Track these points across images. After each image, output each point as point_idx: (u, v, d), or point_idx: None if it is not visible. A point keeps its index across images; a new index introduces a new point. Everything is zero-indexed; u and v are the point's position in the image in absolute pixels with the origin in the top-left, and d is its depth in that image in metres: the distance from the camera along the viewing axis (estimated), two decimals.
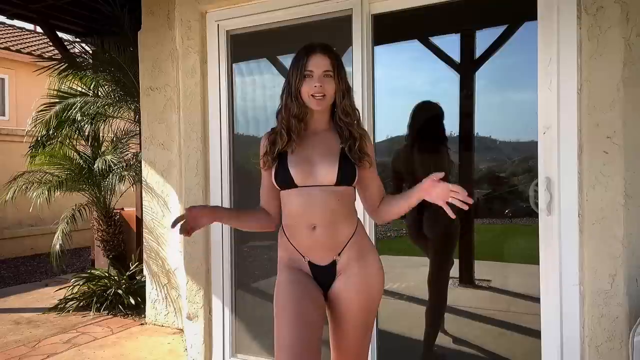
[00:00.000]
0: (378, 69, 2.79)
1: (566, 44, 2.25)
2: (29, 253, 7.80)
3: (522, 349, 2.84)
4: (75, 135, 5.04)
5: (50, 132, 4.91)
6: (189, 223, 1.79)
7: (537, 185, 2.36)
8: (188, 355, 3.32)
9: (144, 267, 4.40)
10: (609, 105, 2.16)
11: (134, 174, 4.70)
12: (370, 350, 2.26)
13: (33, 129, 4.98)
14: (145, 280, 4.35)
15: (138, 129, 4.68)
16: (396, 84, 3.37)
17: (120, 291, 4.54)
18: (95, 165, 4.75)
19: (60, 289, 4.89)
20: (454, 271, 3.19)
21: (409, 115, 3.16)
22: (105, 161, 4.69)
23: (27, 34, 11.72)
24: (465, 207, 1.64)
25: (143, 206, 4.41)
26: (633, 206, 2.16)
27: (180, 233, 1.79)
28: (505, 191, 3.38)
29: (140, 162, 4.45)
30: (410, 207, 1.80)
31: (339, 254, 1.79)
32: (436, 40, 3.31)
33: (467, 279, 3.32)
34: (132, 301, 4.47)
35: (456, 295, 3.22)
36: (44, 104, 4.98)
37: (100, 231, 5.01)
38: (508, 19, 2.97)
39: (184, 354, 3.48)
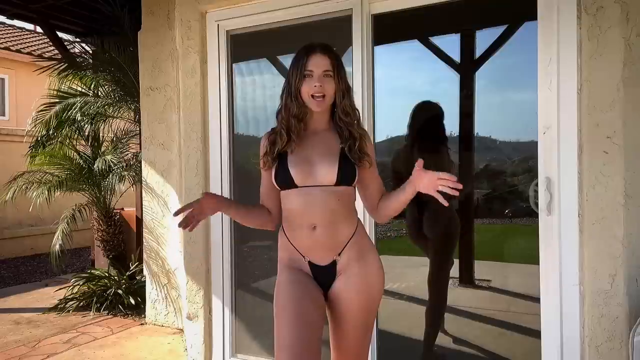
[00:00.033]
0: (378, 69, 2.79)
1: (566, 44, 2.25)
2: (29, 253, 7.80)
3: (522, 349, 2.84)
4: (75, 135, 5.04)
5: (50, 132, 4.91)
6: (196, 210, 1.76)
7: (537, 185, 2.36)
8: (188, 355, 3.32)
9: (144, 267, 4.40)
10: (609, 105, 2.16)
11: (134, 174, 4.70)
12: (370, 350, 2.26)
13: (33, 129, 4.98)
14: (145, 280, 4.35)
15: (138, 129, 4.68)
16: (396, 84, 3.37)
17: (120, 291, 4.54)
18: (95, 165, 4.75)
19: (60, 289, 4.89)
20: (454, 271, 3.19)
21: (409, 115, 3.16)
22: (105, 161, 4.69)
23: (27, 34, 11.72)
24: (456, 193, 1.63)
25: (143, 206, 4.41)
26: (633, 206, 2.16)
27: (179, 226, 1.77)
28: (505, 191, 3.38)
29: (140, 162, 4.45)
30: (406, 200, 1.78)
31: (339, 254, 1.79)
32: (436, 40, 3.31)
33: (467, 279, 3.32)
34: (132, 301, 4.47)
35: (456, 295, 3.22)
36: (44, 104, 4.98)
37: (100, 231, 5.01)
38: (508, 19, 2.97)
39: (184, 354, 3.48)
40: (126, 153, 4.99)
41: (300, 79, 1.76)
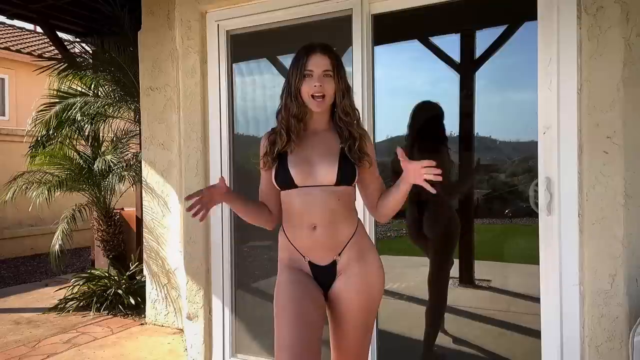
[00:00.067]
0: (378, 69, 2.79)
1: (566, 44, 2.25)
2: (29, 253, 7.80)
3: (522, 349, 2.84)
4: (75, 135, 5.04)
5: (50, 132, 4.91)
6: (206, 197, 1.74)
7: (537, 185, 2.36)
8: (188, 355, 3.32)
9: (144, 267, 4.40)
10: (609, 105, 2.16)
11: (134, 174, 4.70)
12: (370, 350, 2.26)
13: (33, 129, 4.98)
14: (145, 280, 4.35)
15: (138, 129, 4.68)
16: (396, 84, 3.37)
17: (120, 291, 4.54)
18: (95, 165, 4.75)
19: (60, 289, 4.89)
20: (454, 271, 3.19)
21: (409, 115, 3.16)
22: (105, 161, 4.69)
23: (27, 34, 11.72)
24: (439, 178, 1.63)
25: (143, 206, 4.41)
26: (633, 206, 2.16)
27: (187, 210, 1.72)
28: (505, 191, 3.38)
29: (140, 162, 4.45)
30: (402, 197, 1.77)
31: (339, 254, 1.79)
32: (436, 40, 3.31)
33: (467, 279, 3.31)
34: (132, 301, 4.47)
35: (456, 295, 3.22)
36: (44, 104, 4.98)
37: (100, 231, 5.01)
38: (508, 19, 2.97)
39: (184, 354, 3.48)
40: (126, 153, 4.99)
41: (300, 79, 1.77)
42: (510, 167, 3.35)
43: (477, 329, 3.13)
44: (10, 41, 10.76)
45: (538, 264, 2.35)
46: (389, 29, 2.92)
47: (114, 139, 5.16)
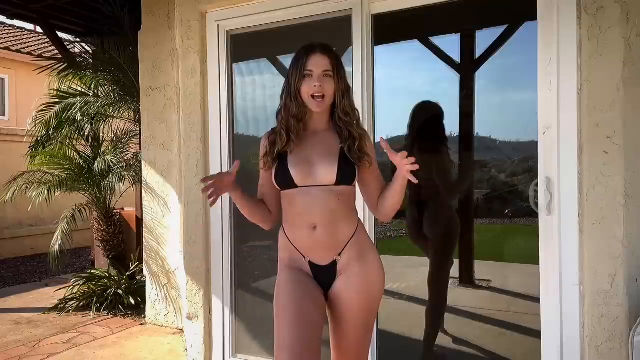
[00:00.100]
0: (378, 69, 2.79)
1: (566, 44, 2.25)
2: (29, 253, 7.80)
3: (522, 349, 2.84)
4: (75, 135, 5.04)
5: (50, 132, 4.91)
6: (218, 182, 1.75)
7: (537, 185, 2.36)
8: (188, 355, 3.32)
9: (144, 267, 4.40)
10: (609, 105, 2.16)
11: (134, 174, 4.70)
12: (370, 350, 2.26)
13: (33, 129, 4.98)
14: (145, 280, 4.35)
15: (138, 129, 4.68)
16: (396, 84, 3.37)
17: (120, 291, 4.54)
18: (95, 165, 4.75)
19: (60, 289, 4.89)
20: (454, 271, 3.19)
21: (409, 115, 3.16)
22: (105, 161, 4.69)
23: (27, 34, 11.72)
24: (416, 167, 1.63)
25: (143, 206, 4.41)
26: (633, 206, 2.16)
27: (203, 192, 1.74)
28: (505, 191, 3.38)
29: (140, 162, 4.45)
30: (398, 194, 1.75)
31: (340, 254, 1.79)
32: (436, 40, 3.31)
33: (467, 279, 3.32)
34: (132, 301, 4.47)
35: (456, 295, 3.22)
36: (44, 104, 4.98)
37: (100, 231, 5.01)
38: (508, 19, 2.97)
39: (184, 354, 3.48)
40: (126, 153, 4.99)
41: (300, 79, 1.77)
42: (510, 167, 3.35)
43: (477, 329, 3.14)
44: (10, 41, 10.76)
45: (538, 264, 2.35)
46: (389, 29, 2.92)
47: (114, 139, 5.16)
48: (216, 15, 3.15)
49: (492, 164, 3.47)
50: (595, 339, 2.20)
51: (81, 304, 4.57)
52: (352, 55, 2.71)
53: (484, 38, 3.20)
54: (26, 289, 5.54)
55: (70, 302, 4.57)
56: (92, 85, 4.99)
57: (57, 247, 4.59)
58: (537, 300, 2.37)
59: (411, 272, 3.55)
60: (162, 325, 4.16)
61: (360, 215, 1.96)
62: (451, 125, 3.23)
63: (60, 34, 5.55)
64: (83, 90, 5.06)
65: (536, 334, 2.37)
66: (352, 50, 2.71)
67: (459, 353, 3.02)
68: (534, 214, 2.37)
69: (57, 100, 4.93)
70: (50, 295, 5.08)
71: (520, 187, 3.05)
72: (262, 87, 3.40)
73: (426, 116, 3.19)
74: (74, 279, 4.88)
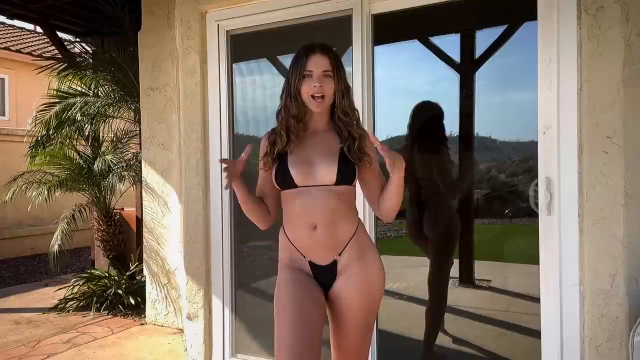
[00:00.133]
0: (378, 69, 2.79)
1: (566, 44, 2.25)
2: (29, 253, 7.80)
3: (522, 349, 2.84)
4: (75, 135, 5.03)
5: (50, 132, 4.91)
6: (231, 166, 1.76)
7: (537, 185, 2.36)
8: (188, 355, 3.32)
9: (144, 267, 4.40)
10: (609, 105, 2.16)
11: (134, 174, 4.70)
12: (370, 350, 2.26)
13: (33, 129, 4.98)
14: (145, 280, 4.36)
15: (138, 129, 4.68)
16: (396, 84, 3.37)
17: (120, 291, 4.54)
18: (95, 165, 4.75)
19: (60, 289, 4.89)
20: (454, 271, 3.19)
21: (409, 115, 3.16)
22: (105, 161, 4.69)
23: (27, 34, 11.72)
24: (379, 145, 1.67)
25: (143, 206, 4.41)
26: (633, 206, 2.16)
27: (224, 170, 1.76)
28: (505, 191, 3.38)
29: (140, 162, 4.45)
30: (395, 187, 1.74)
31: (340, 254, 1.79)
32: (436, 40, 3.31)
33: (467, 279, 3.32)
34: (132, 301, 4.47)
35: (456, 295, 3.22)
36: (44, 104, 4.98)
37: (100, 231, 5.01)
38: (508, 19, 2.97)
39: (184, 354, 3.48)
40: (126, 153, 4.99)
41: (300, 79, 1.77)
42: (510, 167, 3.35)
43: (477, 329, 3.14)
44: (10, 41, 10.76)
45: (538, 264, 2.35)
46: (389, 29, 2.92)
47: (114, 139, 5.16)
48: (216, 15, 3.15)
49: (492, 164, 3.47)
50: (595, 339, 2.20)
51: (81, 304, 4.57)
52: (352, 55, 2.71)
53: (484, 38, 3.20)
54: (26, 289, 5.54)
55: (70, 302, 4.57)
56: (92, 85, 4.99)
57: (56, 247, 4.59)
58: (537, 300, 2.37)
59: (411, 272, 3.55)
60: (162, 325, 4.16)
61: (360, 215, 1.96)
62: (451, 125, 3.23)
63: (60, 34, 5.55)
64: (83, 90, 5.06)
65: (536, 334, 2.37)
66: (352, 50, 2.71)
67: (459, 353, 3.02)
68: (534, 214, 2.37)
69: (57, 100, 4.93)
70: (50, 295, 5.08)
71: (520, 187, 3.05)
72: (262, 87, 3.40)
73: (426, 116, 3.19)
74: (74, 279, 4.88)
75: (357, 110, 1.86)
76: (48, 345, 3.73)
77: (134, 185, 4.95)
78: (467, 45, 3.28)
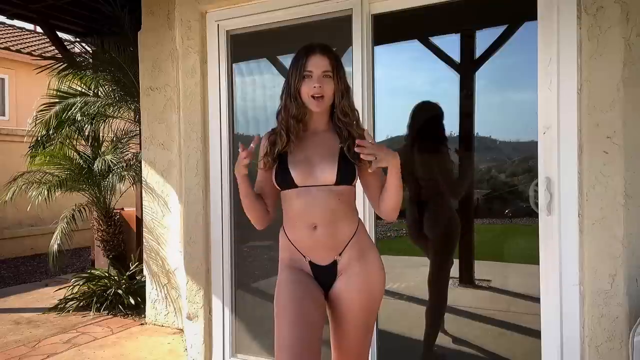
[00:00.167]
0: (378, 69, 2.79)
1: (566, 44, 2.25)
2: (29, 253, 7.80)
3: (522, 349, 2.84)
4: (75, 135, 5.03)
5: (50, 132, 4.91)
6: (244, 154, 1.76)
7: (537, 185, 2.36)
8: (188, 355, 3.32)
9: (144, 267, 4.40)
10: (609, 105, 2.16)
11: (134, 174, 4.70)
12: (370, 350, 2.26)
13: (33, 129, 4.98)
14: (145, 280, 4.36)
15: (138, 129, 4.68)
16: (396, 84, 3.37)
17: (120, 291, 4.54)
18: (95, 165, 4.75)
19: (60, 289, 4.89)
20: (454, 271, 3.19)
21: (409, 115, 3.16)
22: (105, 161, 4.69)
23: (27, 34, 11.71)
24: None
25: (143, 206, 4.41)
26: (633, 206, 2.16)
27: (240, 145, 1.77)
28: (505, 191, 3.38)
29: (140, 162, 4.45)
30: (392, 184, 1.73)
31: (340, 254, 1.79)
32: (436, 40, 3.31)
33: (467, 279, 3.32)
34: (132, 301, 4.47)
35: (456, 295, 3.22)
36: (44, 104, 4.97)
37: (100, 231, 5.01)
38: (508, 19, 2.97)
39: (184, 354, 3.48)
40: (126, 153, 4.99)
41: (300, 80, 1.77)
42: (510, 167, 3.35)
43: (477, 329, 3.14)
44: (10, 41, 10.76)
45: (538, 264, 2.35)
46: (389, 29, 2.92)
47: (114, 139, 5.16)
48: (216, 15, 3.15)
49: (492, 164, 3.48)
50: (595, 339, 2.20)
51: (81, 304, 4.57)
52: (352, 55, 2.71)
53: (484, 38, 3.21)
54: (26, 289, 5.54)
55: (70, 302, 4.57)
56: (92, 85, 4.99)
57: (56, 246, 4.59)
58: (537, 300, 2.37)
59: (411, 272, 3.55)
60: (162, 325, 4.16)
61: (361, 215, 1.96)
62: (451, 125, 3.23)
63: (60, 34, 5.55)
64: (83, 90, 5.06)
65: (536, 334, 2.37)
66: (352, 50, 2.71)
67: (459, 353, 3.02)
68: (534, 214, 2.37)
69: (57, 100, 4.93)
70: (50, 295, 5.08)
71: (520, 187, 3.05)
72: (262, 87, 3.41)
73: (426, 116, 3.19)
74: (74, 279, 4.88)
75: (356, 111, 1.86)
76: (48, 345, 3.73)
77: (134, 185, 4.95)
78: (467, 45, 3.28)
